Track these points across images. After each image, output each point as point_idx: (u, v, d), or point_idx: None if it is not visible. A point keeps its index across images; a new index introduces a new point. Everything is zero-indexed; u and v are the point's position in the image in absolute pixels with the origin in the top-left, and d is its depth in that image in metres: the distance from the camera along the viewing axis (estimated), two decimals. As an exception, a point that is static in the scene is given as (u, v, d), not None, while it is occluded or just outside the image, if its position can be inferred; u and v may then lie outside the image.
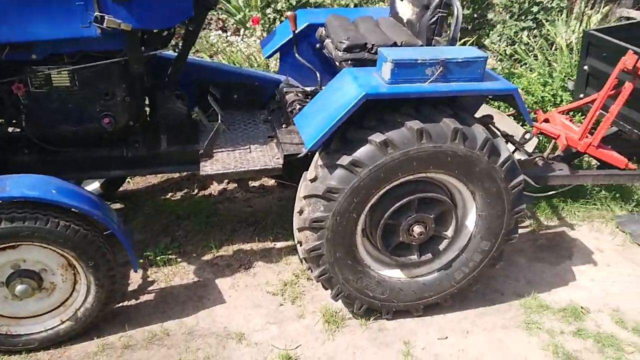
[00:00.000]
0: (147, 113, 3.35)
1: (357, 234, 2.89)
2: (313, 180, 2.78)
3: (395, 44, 2.98)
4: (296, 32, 3.46)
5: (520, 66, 5.39)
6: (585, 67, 4.50)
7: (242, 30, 6.06)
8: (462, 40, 5.20)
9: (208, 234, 3.77)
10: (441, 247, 3.04)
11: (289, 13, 3.41)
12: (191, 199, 4.20)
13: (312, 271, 2.96)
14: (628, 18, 6.51)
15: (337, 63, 3.10)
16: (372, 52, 2.95)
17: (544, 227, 4.01)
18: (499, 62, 5.64)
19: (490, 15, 5.92)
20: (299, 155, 3.05)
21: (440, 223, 3.01)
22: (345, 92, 2.65)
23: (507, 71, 5.02)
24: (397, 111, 2.73)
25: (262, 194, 4.31)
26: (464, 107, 2.93)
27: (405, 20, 3.29)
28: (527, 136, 3.62)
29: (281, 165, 3.09)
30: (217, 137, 3.20)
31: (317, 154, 2.83)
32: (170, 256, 3.54)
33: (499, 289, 3.45)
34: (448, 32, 3.06)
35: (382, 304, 3.09)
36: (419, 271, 3.11)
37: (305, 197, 2.81)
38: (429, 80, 2.62)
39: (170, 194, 4.26)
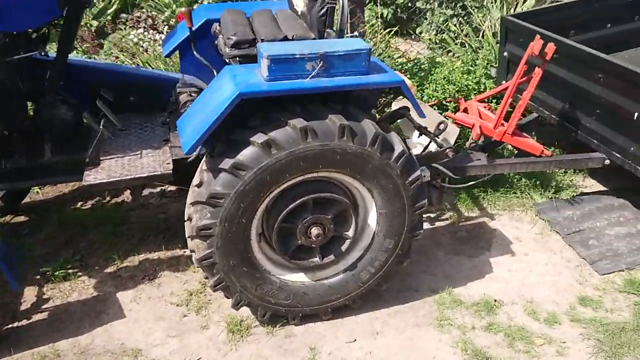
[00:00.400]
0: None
1: (251, 239, 2.75)
2: (198, 185, 2.64)
3: (285, 38, 2.85)
4: (193, 28, 3.31)
5: (447, 54, 5.31)
6: (505, 54, 4.45)
7: (165, 28, 5.83)
8: (387, 30, 5.09)
9: (114, 245, 3.58)
10: (343, 247, 2.93)
11: (182, 9, 3.24)
12: (102, 208, 3.99)
13: (209, 280, 2.82)
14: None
15: (226, 60, 2.95)
16: (262, 47, 2.81)
17: (464, 219, 3.94)
18: (429, 51, 5.55)
19: (418, 4, 5.82)
20: (188, 160, 2.89)
21: (342, 223, 2.89)
22: (222, 91, 2.50)
23: (429, 60, 4.91)
24: (284, 109, 2.60)
25: (178, 199, 4.13)
26: (359, 102, 2.80)
27: (299, 12, 3.15)
28: (442, 127, 3.51)
29: (171, 171, 2.93)
30: (102, 144, 3.02)
31: (203, 157, 2.68)
32: (70, 270, 3.34)
33: (414, 285, 3.35)
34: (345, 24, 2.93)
35: (287, 310, 2.97)
36: (324, 273, 3.00)
37: (192, 204, 2.66)
38: (310, 76, 2.49)
39: (80, 203, 4.05)
